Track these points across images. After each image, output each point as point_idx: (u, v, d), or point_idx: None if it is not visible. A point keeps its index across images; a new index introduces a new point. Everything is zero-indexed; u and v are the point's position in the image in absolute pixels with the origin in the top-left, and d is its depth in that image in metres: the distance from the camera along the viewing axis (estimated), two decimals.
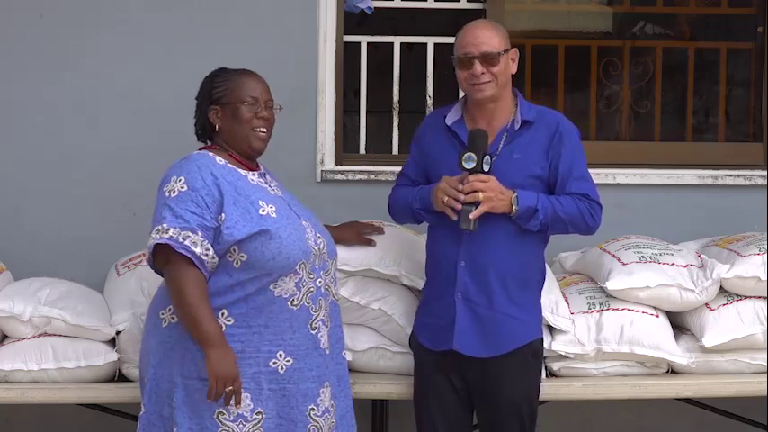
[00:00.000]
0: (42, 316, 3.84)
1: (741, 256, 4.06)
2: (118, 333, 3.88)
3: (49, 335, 3.86)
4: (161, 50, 4.50)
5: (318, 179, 4.58)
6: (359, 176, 4.59)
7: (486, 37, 3.57)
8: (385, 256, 3.91)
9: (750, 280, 4.00)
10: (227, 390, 3.23)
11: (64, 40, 4.51)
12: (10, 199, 4.52)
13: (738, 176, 4.70)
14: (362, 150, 4.83)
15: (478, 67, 3.54)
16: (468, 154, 3.47)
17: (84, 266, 4.39)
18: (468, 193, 3.46)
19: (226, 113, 3.44)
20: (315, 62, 4.56)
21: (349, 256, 3.88)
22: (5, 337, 3.93)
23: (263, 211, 3.34)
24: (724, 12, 5.15)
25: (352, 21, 4.76)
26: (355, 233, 3.91)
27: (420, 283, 3.84)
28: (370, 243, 3.90)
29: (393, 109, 4.76)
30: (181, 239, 3.25)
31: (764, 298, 4.00)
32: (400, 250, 3.92)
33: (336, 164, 4.62)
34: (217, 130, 3.46)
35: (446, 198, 3.49)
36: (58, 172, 4.52)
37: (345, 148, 4.75)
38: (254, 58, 4.39)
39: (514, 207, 3.51)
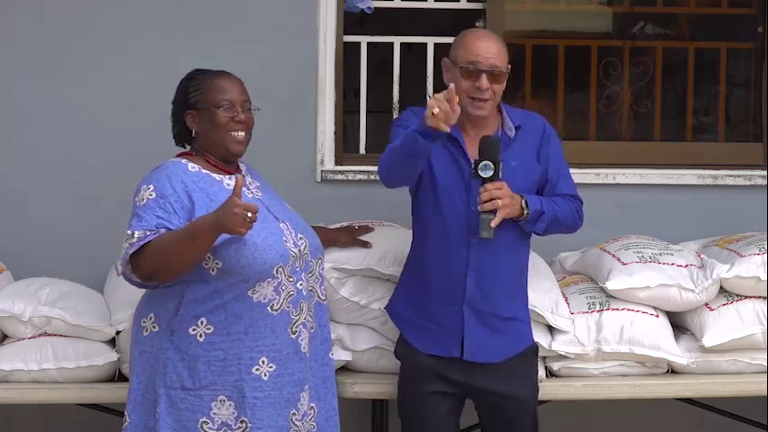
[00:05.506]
0: (42, 316, 3.84)
1: (741, 256, 4.06)
2: (118, 333, 3.88)
3: (49, 335, 3.86)
4: (161, 50, 4.49)
5: (318, 179, 4.58)
6: (359, 176, 4.58)
7: (496, 52, 3.53)
8: (385, 257, 3.91)
9: (750, 280, 4.00)
10: (249, 217, 3.12)
11: (64, 40, 4.50)
12: (10, 199, 4.51)
13: (738, 176, 4.70)
14: (362, 150, 4.82)
15: (485, 81, 3.50)
16: (485, 162, 3.44)
17: (84, 266, 4.39)
18: (486, 202, 3.44)
19: (202, 118, 3.40)
20: (315, 62, 4.55)
21: (349, 257, 3.89)
22: (5, 337, 3.93)
23: None
24: (724, 12, 5.14)
25: (352, 21, 4.75)
26: (351, 236, 3.91)
27: None
28: (366, 245, 3.90)
29: (393, 109, 4.76)
30: (145, 236, 3.23)
31: (764, 298, 4.00)
32: (400, 250, 3.91)
33: (336, 164, 4.62)
34: (194, 135, 3.42)
35: (438, 109, 3.12)
36: (58, 172, 4.51)
37: (345, 148, 4.74)
38: (254, 58, 4.42)
39: (525, 211, 3.52)
